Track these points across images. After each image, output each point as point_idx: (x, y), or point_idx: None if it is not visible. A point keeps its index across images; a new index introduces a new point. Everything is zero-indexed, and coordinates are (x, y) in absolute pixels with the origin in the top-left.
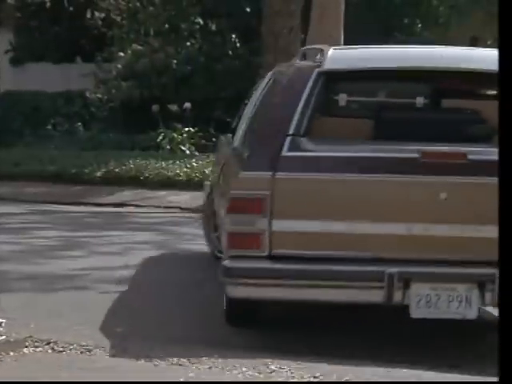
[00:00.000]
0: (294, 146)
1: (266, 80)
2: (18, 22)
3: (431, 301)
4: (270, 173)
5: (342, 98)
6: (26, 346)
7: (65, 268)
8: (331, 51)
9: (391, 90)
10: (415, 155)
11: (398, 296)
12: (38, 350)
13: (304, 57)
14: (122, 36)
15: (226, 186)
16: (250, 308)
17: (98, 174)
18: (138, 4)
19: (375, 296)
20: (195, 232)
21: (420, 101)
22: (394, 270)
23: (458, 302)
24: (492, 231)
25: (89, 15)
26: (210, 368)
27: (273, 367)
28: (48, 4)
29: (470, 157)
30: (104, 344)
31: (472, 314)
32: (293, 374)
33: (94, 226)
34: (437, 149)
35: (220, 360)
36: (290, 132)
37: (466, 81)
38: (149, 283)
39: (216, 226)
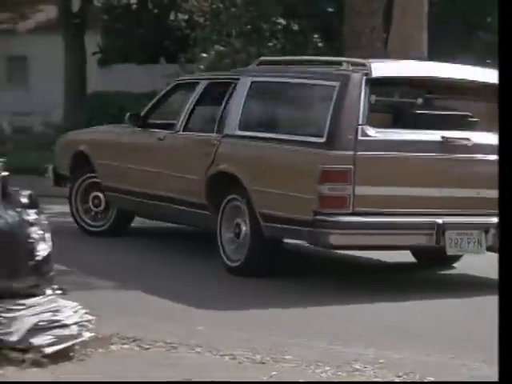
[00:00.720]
0: (363, 133)
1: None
2: (105, 25)
3: (458, 242)
4: (353, 152)
5: (382, 98)
6: (113, 343)
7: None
8: (373, 63)
9: (417, 91)
10: (440, 139)
11: (441, 240)
12: (124, 346)
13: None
14: (205, 37)
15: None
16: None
17: None
18: (221, 5)
19: (427, 240)
20: None
21: (432, 101)
22: (439, 220)
23: (473, 242)
24: (493, 193)
25: (172, 17)
26: (293, 367)
27: (356, 366)
28: (133, 6)
29: (472, 140)
30: (189, 341)
31: (482, 251)
32: (375, 373)
33: None
34: (452, 134)
35: (303, 358)
36: (360, 123)
37: (459, 87)
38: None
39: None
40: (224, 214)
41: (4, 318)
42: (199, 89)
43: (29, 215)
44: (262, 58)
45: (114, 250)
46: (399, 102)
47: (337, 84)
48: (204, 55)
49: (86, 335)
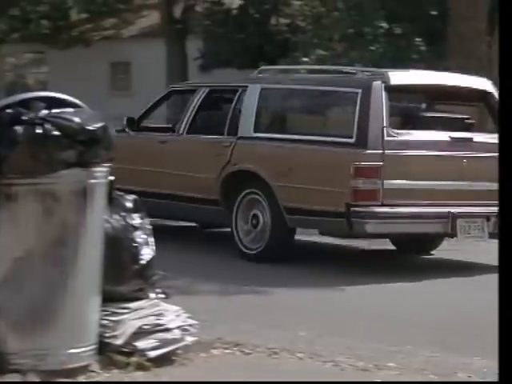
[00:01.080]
0: (388, 134)
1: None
2: (206, 30)
3: (466, 229)
4: (381, 151)
5: (396, 103)
6: (216, 348)
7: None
8: (391, 73)
9: (426, 97)
10: (448, 139)
11: (453, 228)
12: (226, 351)
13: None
14: (306, 41)
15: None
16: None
17: None
18: (323, 9)
19: (444, 228)
20: None
21: (439, 106)
22: (454, 210)
23: (478, 229)
24: (493, 186)
25: (273, 21)
26: (397, 374)
27: (460, 375)
28: (234, 11)
29: (474, 140)
30: (290, 347)
31: (485, 236)
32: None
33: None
34: (457, 134)
35: (407, 366)
36: (384, 125)
37: (461, 93)
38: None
39: None
40: (240, 207)
41: (109, 321)
42: (200, 95)
43: (133, 219)
44: (263, 67)
45: (214, 254)
46: (409, 107)
47: (359, 90)
48: (305, 59)
49: (189, 339)
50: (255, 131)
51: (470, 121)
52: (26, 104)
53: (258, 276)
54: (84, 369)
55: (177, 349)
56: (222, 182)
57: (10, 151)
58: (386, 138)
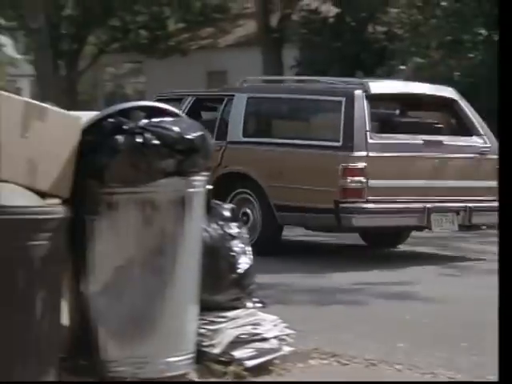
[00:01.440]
0: (371, 137)
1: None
2: (302, 39)
3: (439, 222)
4: (366, 153)
5: (377, 110)
6: (312, 358)
7: (347, 281)
8: (371, 83)
9: (401, 104)
10: (422, 141)
11: (428, 221)
12: (323, 362)
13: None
14: (404, 49)
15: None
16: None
17: None
18: (420, 17)
19: (420, 221)
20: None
21: (411, 113)
22: (428, 205)
23: (449, 222)
24: (462, 183)
25: (370, 29)
26: None
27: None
28: (331, 20)
29: (444, 142)
30: (388, 358)
31: (455, 228)
32: None
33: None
34: (429, 138)
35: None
36: (367, 129)
37: (431, 100)
38: (437, 301)
39: None
40: None
41: (207, 330)
42: (186, 104)
43: (231, 228)
44: (247, 77)
45: (308, 264)
46: (386, 113)
47: (343, 99)
48: (402, 68)
49: (286, 349)
50: (244, 136)
51: (439, 125)
52: (126, 113)
53: (349, 286)
54: (182, 378)
55: (274, 359)
56: (213, 184)
57: (110, 160)
58: (369, 141)
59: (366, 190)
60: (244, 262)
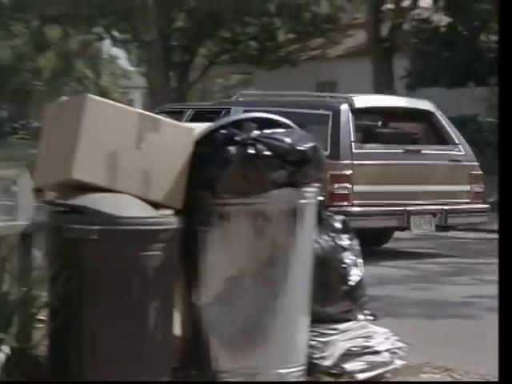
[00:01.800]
0: (356, 147)
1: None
2: (413, 48)
3: (418, 224)
4: (351, 161)
5: (361, 122)
6: (425, 372)
7: (456, 294)
8: (355, 97)
9: (382, 117)
10: (402, 150)
11: (408, 222)
12: (435, 376)
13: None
14: None
15: None
16: None
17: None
18: None
19: (400, 222)
20: None
21: (391, 124)
22: (408, 208)
23: (427, 223)
24: (438, 188)
25: (483, 38)
26: None
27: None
28: (443, 29)
29: (422, 151)
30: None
31: (432, 229)
32: None
33: (484, 252)
34: (408, 147)
35: None
36: (352, 140)
37: (409, 113)
38: None
39: None
40: None
41: (318, 342)
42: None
43: (342, 240)
44: (243, 92)
45: (418, 275)
46: (369, 125)
47: (330, 112)
48: None
49: (398, 363)
50: None
51: (417, 135)
52: (238, 125)
53: (464, 298)
54: None
55: (385, 372)
56: None
57: (222, 171)
58: (354, 151)
59: (351, 195)
60: (355, 274)
